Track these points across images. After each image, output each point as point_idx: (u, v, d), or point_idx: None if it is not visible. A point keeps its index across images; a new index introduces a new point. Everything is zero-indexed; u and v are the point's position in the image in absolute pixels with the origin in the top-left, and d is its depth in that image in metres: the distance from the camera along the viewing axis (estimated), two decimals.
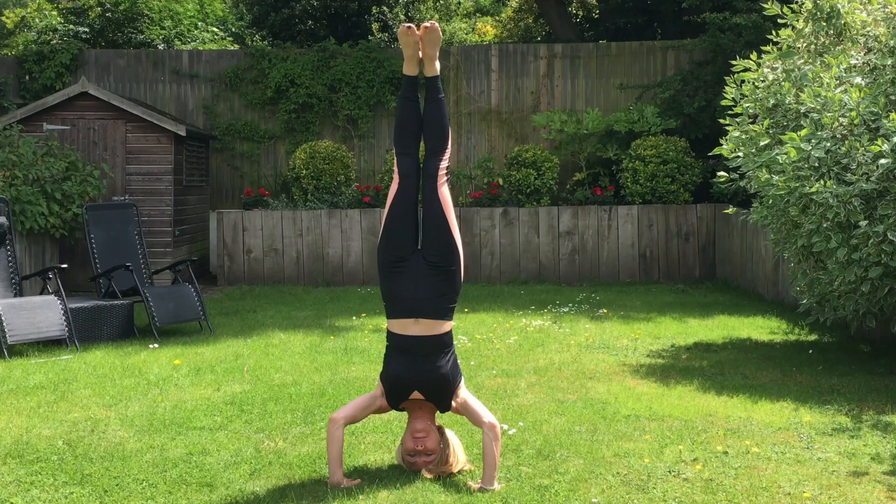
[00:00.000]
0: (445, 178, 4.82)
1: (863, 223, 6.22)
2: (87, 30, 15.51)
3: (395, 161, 4.90)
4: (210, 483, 4.65)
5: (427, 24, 4.75)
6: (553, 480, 4.62)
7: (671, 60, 14.30)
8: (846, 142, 6.55)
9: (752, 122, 7.78)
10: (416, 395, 4.69)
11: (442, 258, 4.71)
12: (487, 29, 23.11)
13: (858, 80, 6.86)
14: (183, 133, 12.37)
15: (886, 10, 7.45)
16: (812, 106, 6.93)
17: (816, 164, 6.60)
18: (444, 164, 4.82)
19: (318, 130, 14.42)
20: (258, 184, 14.37)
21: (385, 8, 18.11)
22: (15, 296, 8.61)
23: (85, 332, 8.55)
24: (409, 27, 4.78)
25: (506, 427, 5.43)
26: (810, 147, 6.60)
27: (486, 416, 4.66)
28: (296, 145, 14.21)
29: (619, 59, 14.45)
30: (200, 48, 16.26)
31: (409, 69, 4.87)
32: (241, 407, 6.09)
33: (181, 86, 14.59)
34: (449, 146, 4.88)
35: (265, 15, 17.41)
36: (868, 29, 7.51)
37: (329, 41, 14.64)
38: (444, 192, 4.78)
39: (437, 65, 4.86)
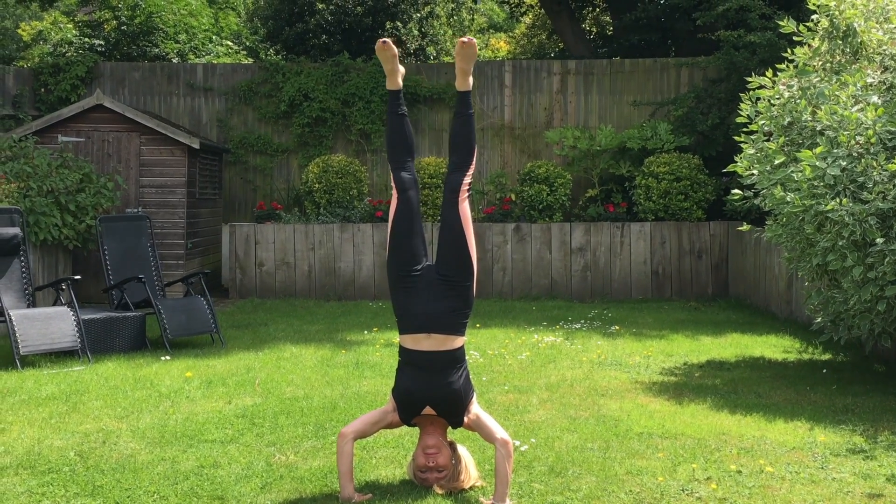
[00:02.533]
0: (468, 194, 4.82)
1: (879, 240, 6.19)
2: (102, 43, 15.60)
3: (391, 177, 4.91)
4: (221, 496, 4.64)
5: (464, 39, 4.78)
6: (565, 498, 4.59)
7: (685, 78, 14.30)
8: (862, 160, 6.53)
9: (767, 140, 7.76)
10: (427, 410, 4.66)
11: (456, 273, 4.70)
12: (501, 45, 23.17)
13: (875, 98, 6.83)
14: (197, 146, 12.41)
15: None
16: (828, 124, 6.91)
17: (832, 183, 6.57)
18: (468, 179, 4.82)
19: (331, 144, 14.45)
20: (271, 197, 14.40)
21: (399, 23, 18.16)
22: (28, 306, 8.63)
23: (97, 343, 8.56)
24: (385, 42, 4.82)
25: (518, 443, 5.40)
26: (826, 165, 6.58)
27: (499, 432, 4.64)
28: (309, 159, 14.23)
29: (633, 75, 14.45)
30: (215, 62, 16.34)
31: (391, 84, 4.92)
32: (252, 420, 6.08)
33: (195, 99, 14.65)
34: (474, 162, 4.89)
35: (279, 29, 17.47)
36: (884, 48, 7.49)
37: (343, 56, 14.69)
38: (465, 208, 4.77)
39: (470, 80, 4.87)
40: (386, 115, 4.98)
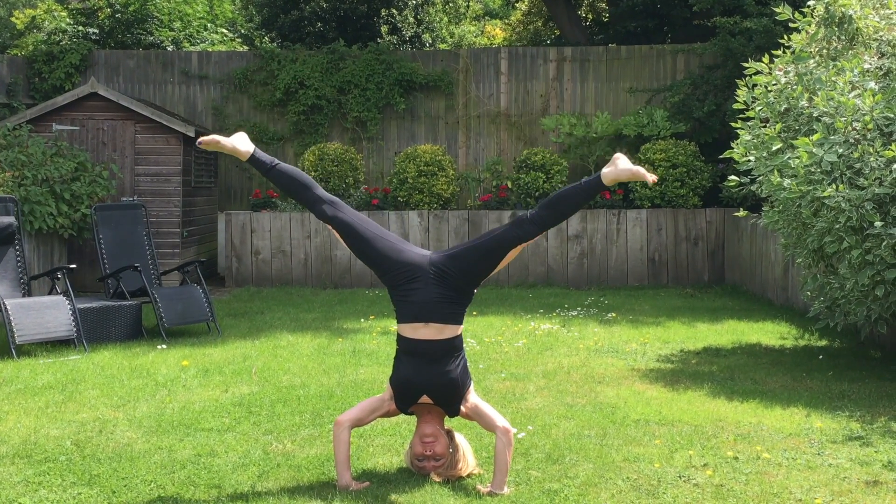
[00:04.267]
0: (524, 245, 4.74)
1: (878, 224, 6.18)
2: (96, 31, 15.52)
3: (316, 216, 4.79)
4: (218, 485, 4.64)
5: (650, 177, 4.63)
6: (562, 485, 4.59)
7: (681, 64, 14.27)
8: (859, 146, 6.52)
9: (764, 126, 7.74)
10: (424, 399, 4.66)
11: (462, 278, 4.66)
12: (496, 32, 23.10)
13: (872, 84, 6.82)
14: (192, 134, 12.37)
15: None
16: (825, 110, 6.90)
17: (829, 169, 6.56)
18: (536, 238, 4.73)
19: (326, 132, 14.41)
20: (267, 185, 14.32)
21: (394, 10, 18.10)
22: (23, 296, 8.61)
23: (93, 332, 8.54)
24: (200, 142, 4.64)
25: (515, 431, 5.40)
26: (822, 151, 6.57)
27: (500, 420, 4.64)
28: (304, 147, 14.19)
29: (629, 62, 14.42)
30: (210, 49, 16.27)
31: (242, 156, 4.74)
32: (249, 409, 6.08)
33: (190, 87, 14.60)
34: (550, 227, 4.79)
35: (274, 17, 17.40)
36: (881, 34, 7.47)
37: (338, 43, 14.63)
38: (514, 254, 4.72)
39: (616, 183, 4.85)
40: (268, 175, 4.78)
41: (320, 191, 4.80)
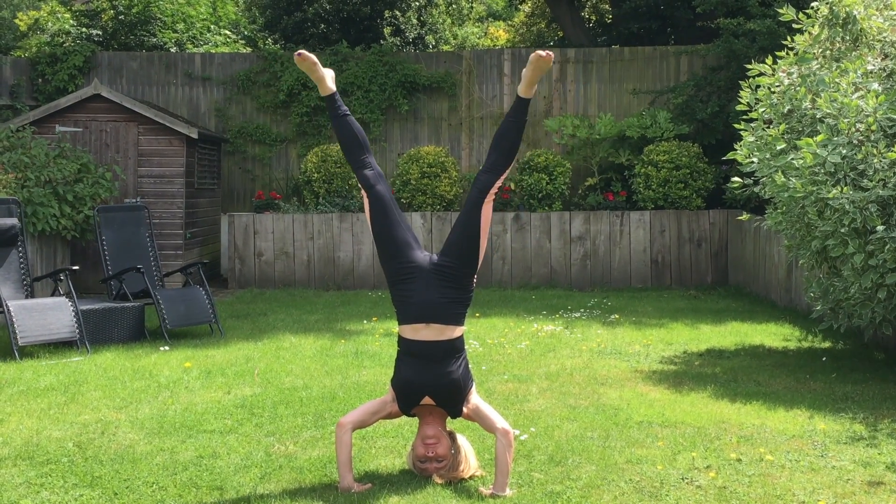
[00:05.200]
0: (493, 198, 4.78)
1: (880, 228, 6.17)
2: (99, 32, 15.55)
3: (356, 178, 4.89)
4: (220, 486, 4.63)
5: (542, 52, 4.65)
6: (565, 487, 4.58)
7: (684, 66, 14.25)
8: (863, 148, 6.50)
9: (767, 128, 7.73)
10: (427, 400, 4.66)
11: (458, 267, 4.68)
12: (500, 33, 23.10)
13: (875, 85, 6.80)
14: (195, 136, 12.38)
15: None
16: (828, 111, 6.88)
17: (832, 170, 6.55)
18: (499, 183, 4.77)
19: (329, 134, 14.41)
20: (269, 187, 14.37)
21: (397, 12, 18.10)
22: (26, 297, 8.62)
23: (96, 333, 8.54)
24: (300, 53, 4.76)
25: (517, 432, 5.39)
26: (826, 153, 6.56)
27: (500, 421, 4.63)
28: (307, 148, 14.20)
29: (633, 63, 14.41)
30: (213, 51, 16.29)
31: (323, 90, 4.88)
32: (251, 410, 6.07)
33: (193, 89, 14.61)
34: (509, 168, 4.83)
35: (278, 18, 17.42)
36: (885, 35, 7.45)
37: (341, 45, 14.64)
38: (488, 210, 4.75)
39: (534, 90, 4.80)
40: (331, 119, 4.93)
41: (371, 158, 4.90)
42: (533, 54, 4.68)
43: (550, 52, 4.66)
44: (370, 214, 4.82)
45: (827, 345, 8.30)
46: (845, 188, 6.38)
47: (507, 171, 4.84)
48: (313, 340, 8.63)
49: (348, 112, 4.91)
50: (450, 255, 4.72)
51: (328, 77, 4.90)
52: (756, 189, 7.77)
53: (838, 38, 7.64)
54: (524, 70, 4.74)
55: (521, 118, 4.80)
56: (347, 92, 14.32)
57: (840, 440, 5.34)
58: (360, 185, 4.89)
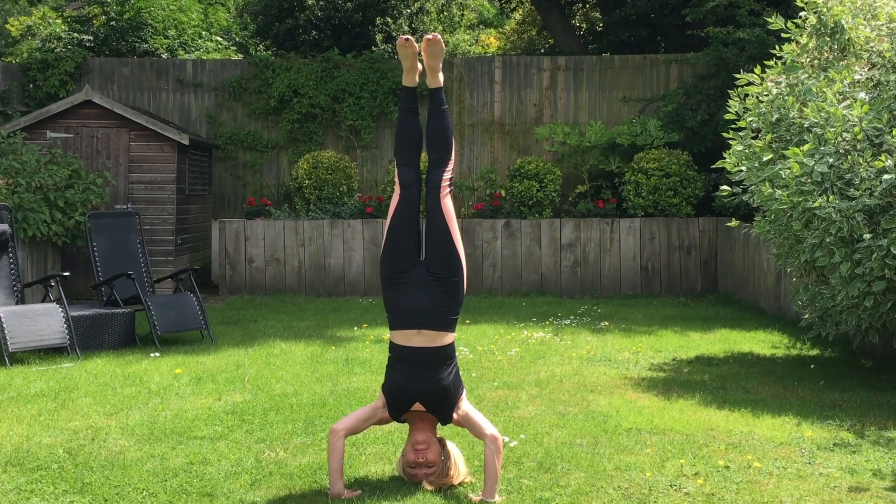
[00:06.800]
0: (449, 190, 4.83)
1: (867, 236, 6.22)
2: (91, 38, 15.53)
3: (395, 172, 4.91)
4: (210, 493, 4.64)
5: (429, 36, 4.75)
6: (554, 493, 4.61)
7: (674, 74, 14.32)
8: (849, 157, 6.55)
9: (756, 137, 7.78)
10: (417, 406, 4.68)
11: (444, 269, 4.71)
12: (491, 41, 23.16)
13: (862, 95, 6.86)
14: (186, 142, 12.38)
15: (891, 25, 7.46)
16: (815, 121, 6.94)
17: (819, 180, 6.60)
18: (448, 175, 4.83)
19: (320, 140, 14.44)
20: (260, 193, 14.38)
21: (389, 19, 18.14)
22: (17, 303, 8.61)
23: (86, 340, 8.54)
24: (408, 39, 4.79)
25: (507, 439, 5.41)
26: (813, 162, 6.60)
27: (489, 428, 4.65)
28: (298, 155, 14.21)
29: (623, 72, 14.47)
30: (204, 57, 16.29)
31: (408, 80, 4.88)
32: (241, 417, 6.08)
33: (185, 95, 14.61)
34: (452, 158, 4.89)
35: (269, 25, 17.43)
36: (872, 44, 7.52)
37: (333, 52, 14.66)
38: (447, 204, 4.78)
39: (441, 76, 4.86)
40: (398, 110, 4.97)
41: (419, 163, 4.91)
42: (423, 42, 4.78)
43: (436, 34, 4.75)
44: (394, 209, 4.81)
45: (815, 352, 8.35)
46: (832, 197, 6.43)
47: (452, 162, 4.88)
48: (304, 347, 8.64)
49: (418, 110, 4.92)
50: (432, 262, 4.73)
51: (417, 72, 4.90)
52: (745, 197, 7.82)
53: (826, 48, 7.71)
54: (424, 62, 4.82)
55: (440, 109, 4.86)
56: (338, 98, 14.35)
57: (827, 447, 5.38)
58: (395, 180, 4.89)
